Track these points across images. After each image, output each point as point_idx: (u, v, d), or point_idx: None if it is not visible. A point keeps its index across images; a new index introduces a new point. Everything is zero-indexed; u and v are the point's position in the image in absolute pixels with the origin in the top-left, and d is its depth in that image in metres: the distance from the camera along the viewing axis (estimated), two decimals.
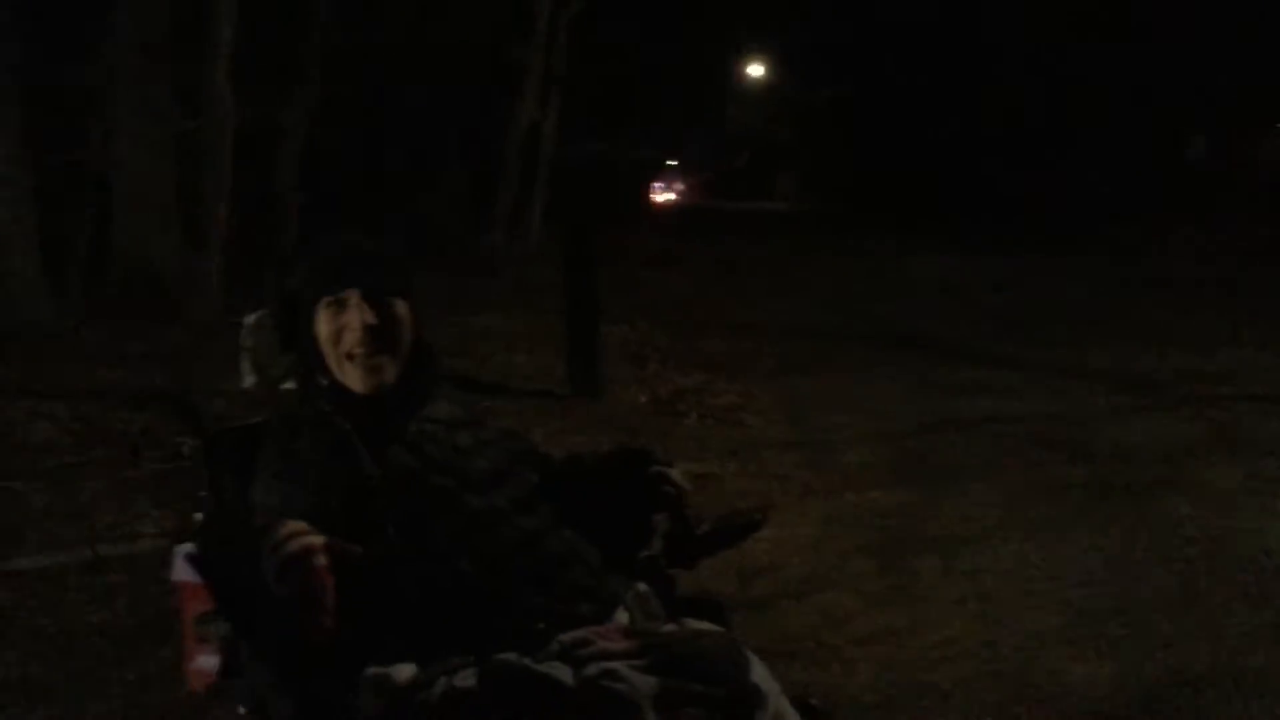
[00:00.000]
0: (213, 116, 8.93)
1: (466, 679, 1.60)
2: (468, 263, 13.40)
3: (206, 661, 1.74)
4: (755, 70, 42.47)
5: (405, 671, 1.63)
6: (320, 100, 11.20)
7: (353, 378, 1.86)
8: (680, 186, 56.62)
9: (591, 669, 1.61)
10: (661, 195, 44.95)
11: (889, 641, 3.63)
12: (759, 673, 1.67)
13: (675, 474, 2.00)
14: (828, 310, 11.83)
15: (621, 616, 1.83)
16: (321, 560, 1.57)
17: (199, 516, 1.93)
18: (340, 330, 1.86)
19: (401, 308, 1.90)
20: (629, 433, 6.29)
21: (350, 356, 1.86)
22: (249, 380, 2.03)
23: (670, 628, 1.80)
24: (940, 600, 3.96)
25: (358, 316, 1.85)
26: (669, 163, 49.44)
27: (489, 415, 2.14)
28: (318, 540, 1.59)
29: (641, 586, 1.90)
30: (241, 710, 1.72)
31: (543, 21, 14.61)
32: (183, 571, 1.90)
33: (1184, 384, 7.53)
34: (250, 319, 2.02)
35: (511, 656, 1.63)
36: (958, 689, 3.29)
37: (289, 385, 1.97)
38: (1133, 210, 21.29)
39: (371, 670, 1.63)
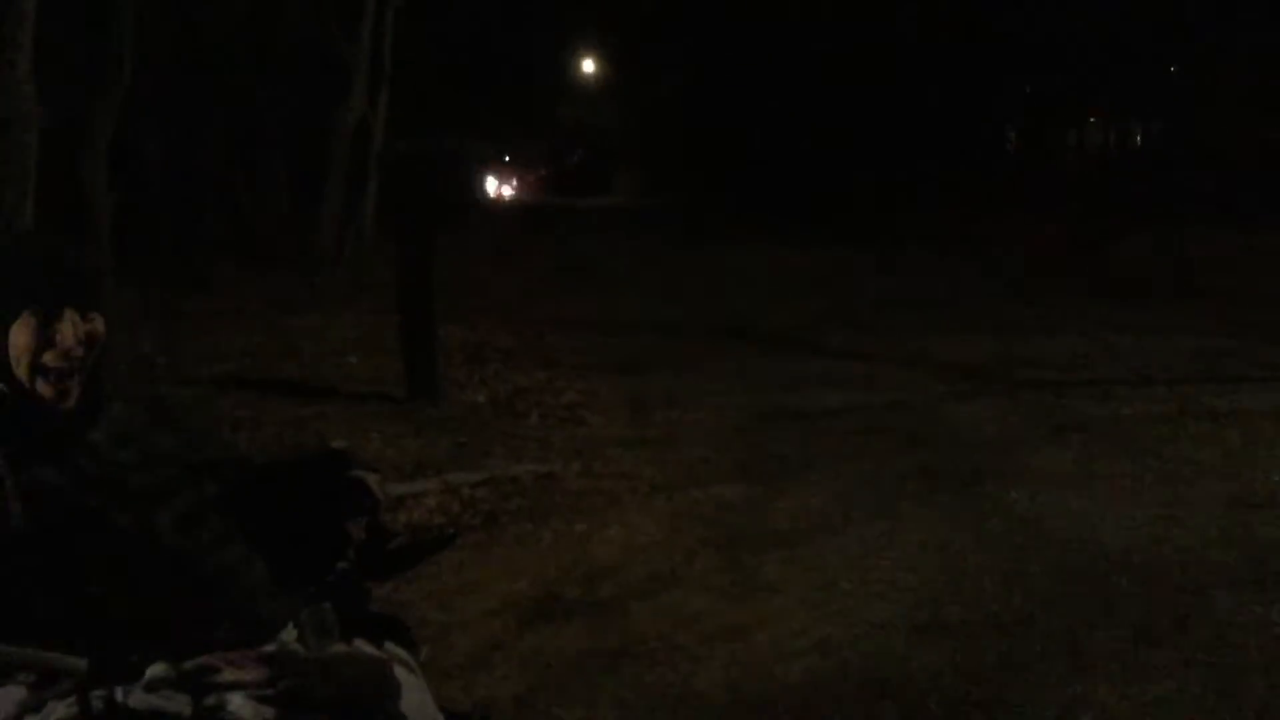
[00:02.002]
0: (14, 115, 8.32)
1: (72, 707, 1.53)
2: (295, 263, 12.97)
3: None
4: (588, 66, 42.54)
5: (15, 694, 1.55)
6: (130, 94, 10.60)
7: (44, 393, 1.75)
8: (515, 183, 56.31)
9: (211, 698, 1.57)
10: (496, 191, 44.61)
11: (738, 639, 3.61)
12: (411, 700, 1.66)
13: (373, 481, 1.95)
14: (666, 305, 11.87)
15: (289, 635, 1.75)
16: None
17: None
18: (43, 344, 1.74)
19: (100, 323, 1.81)
20: (469, 434, 6.17)
21: (46, 371, 1.75)
22: None
23: (339, 648, 1.74)
24: (786, 594, 3.97)
25: (71, 332, 1.75)
26: (503, 159, 49.11)
27: (183, 411, 2.03)
28: None
29: (324, 604, 1.82)
30: None
31: (369, 14, 14.24)
32: None
33: (1010, 370, 7.80)
34: None
35: (119, 688, 1.55)
36: (806, 683, 3.30)
37: None
38: (958, 203, 22.08)
39: None
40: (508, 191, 49.28)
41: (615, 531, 4.71)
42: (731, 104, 30.93)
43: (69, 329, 1.74)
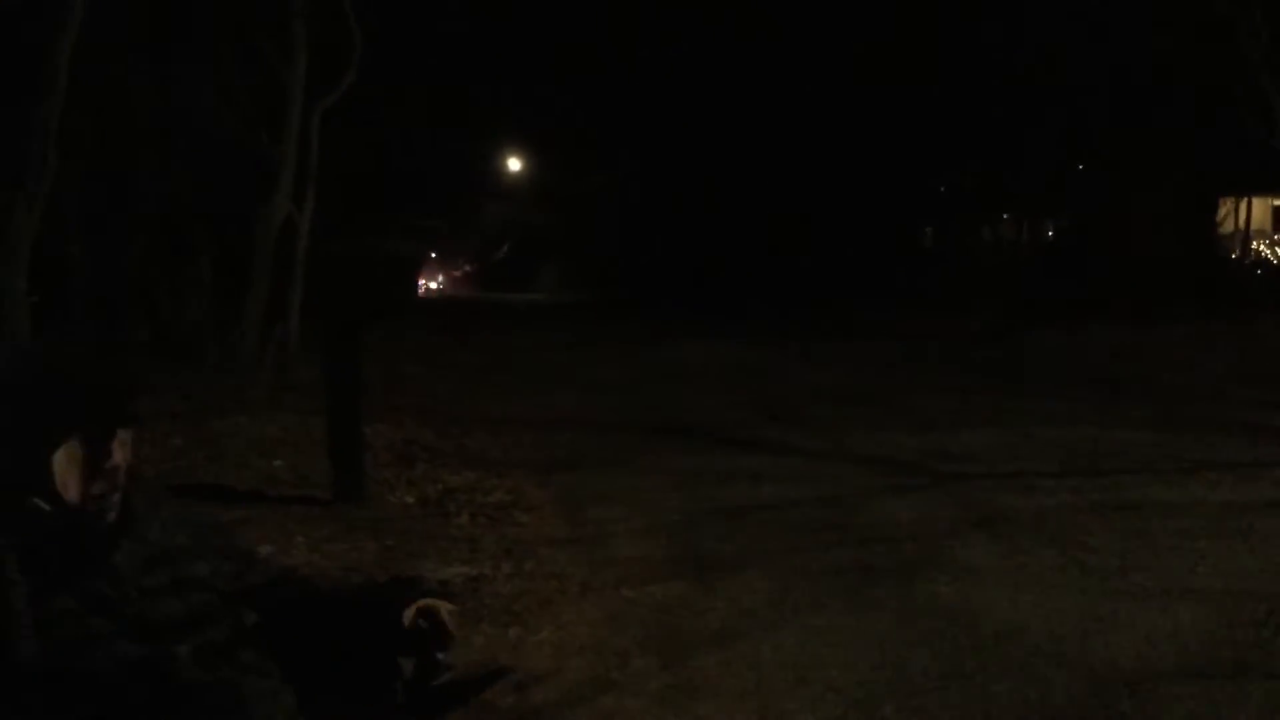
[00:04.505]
0: None
1: None
2: (218, 364, 12.77)
3: None
4: (514, 164, 43.00)
5: None
6: (51, 195, 10.44)
7: (90, 512, 1.69)
8: (442, 278, 56.39)
9: None
10: (424, 287, 44.64)
11: None
12: None
13: (446, 613, 1.85)
14: (593, 401, 11.86)
15: None
16: None
17: None
18: (93, 469, 1.69)
19: (130, 436, 1.76)
20: (397, 536, 6.06)
21: (99, 496, 1.69)
22: None
23: None
24: (723, 696, 3.92)
25: (121, 455, 1.71)
26: (431, 255, 49.21)
27: (230, 534, 1.96)
28: None
29: None
30: None
31: (296, 113, 14.27)
32: None
33: (936, 463, 7.90)
34: None
35: None
36: None
37: None
38: (879, 297, 22.55)
39: None
40: (434, 286, 49.29)
41: (548, 634, 4.64)
42: (656, 201, 31.44)
43: (118, 452, 1.69)
